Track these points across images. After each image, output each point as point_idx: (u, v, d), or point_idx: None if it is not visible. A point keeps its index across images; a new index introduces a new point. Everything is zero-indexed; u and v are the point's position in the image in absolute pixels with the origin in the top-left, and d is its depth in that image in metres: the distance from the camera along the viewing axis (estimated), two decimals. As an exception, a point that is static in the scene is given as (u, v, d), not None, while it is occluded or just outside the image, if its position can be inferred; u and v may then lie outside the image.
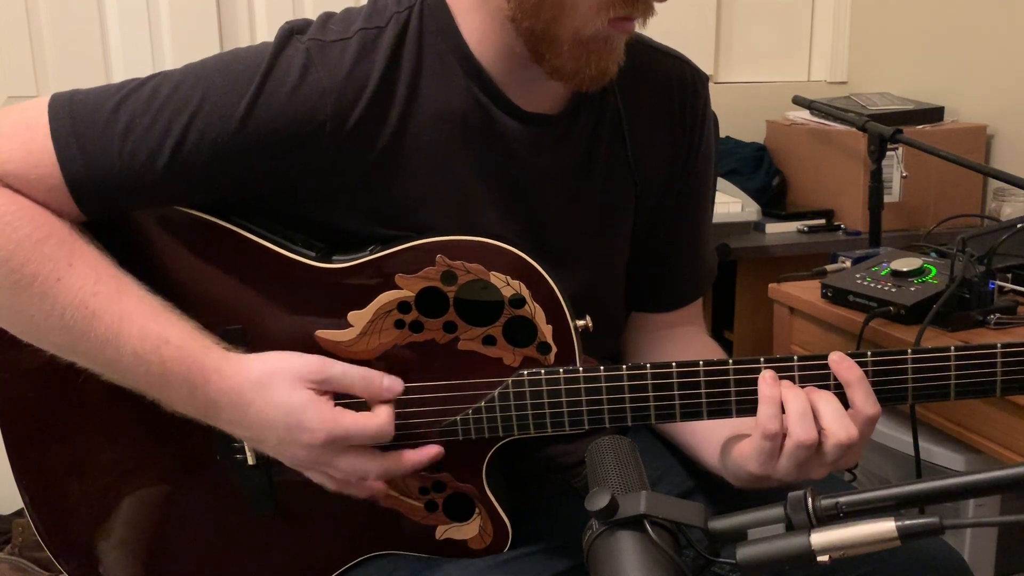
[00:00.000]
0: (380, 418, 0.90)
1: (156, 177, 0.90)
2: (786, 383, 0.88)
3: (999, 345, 0.86)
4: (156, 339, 0.88)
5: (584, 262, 1.05)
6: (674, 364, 0.89)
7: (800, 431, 0.85)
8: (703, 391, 0.89)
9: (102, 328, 0.87)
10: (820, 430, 0.85)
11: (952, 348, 0.87)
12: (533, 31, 0.91)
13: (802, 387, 0.87)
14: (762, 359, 0.89)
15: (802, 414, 0.85)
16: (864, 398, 0.86)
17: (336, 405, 0.89)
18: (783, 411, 0.86)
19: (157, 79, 0.92)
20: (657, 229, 1.12)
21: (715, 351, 1.15)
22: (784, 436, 0.86)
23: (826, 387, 0.88)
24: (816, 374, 0.88)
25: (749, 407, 0.89)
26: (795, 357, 0.89)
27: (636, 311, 1.18)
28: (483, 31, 0.96)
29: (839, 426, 0.85)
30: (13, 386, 0.99)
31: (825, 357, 0.88)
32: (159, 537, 1.02)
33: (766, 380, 0.87)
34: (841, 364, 0.87)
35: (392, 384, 0.92)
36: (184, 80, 0.91)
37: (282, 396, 0.88)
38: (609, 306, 1.13)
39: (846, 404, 0.87)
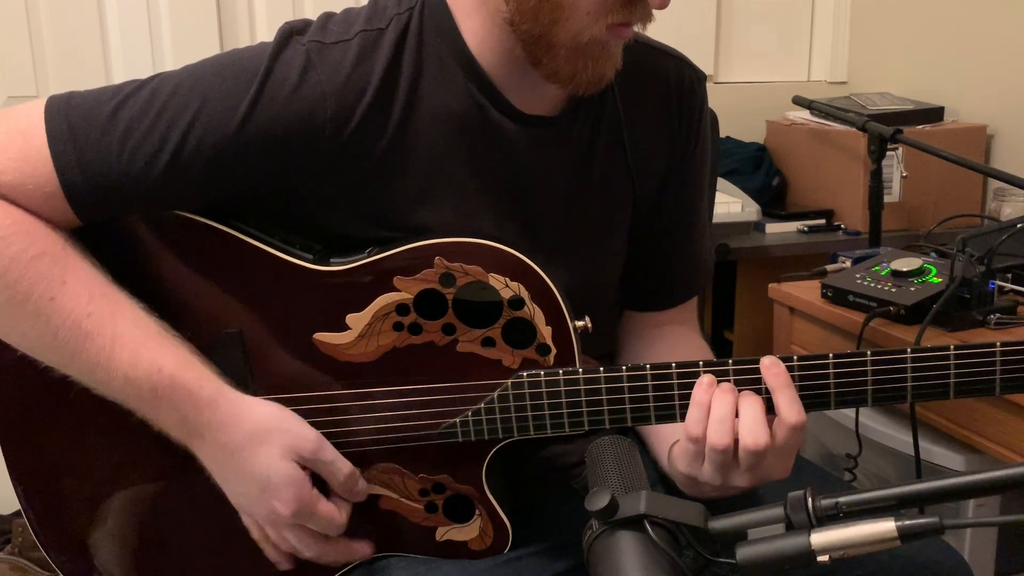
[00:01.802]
0: (343, 518, 0.94)
1: (154, 182, 0.89)
2: (724, 386, 0.87)
3: (998, 344, 0.86)
4: (148, 366, 0.88)
5: (582, 262, 1.05)
6: (674, 364, 0.89)
7: (714, 435, 0.85)
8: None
9: (94, 350, 0.87)
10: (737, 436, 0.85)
11: (952, 347, 0.87)
12: (531, 34, 0.91)
13: (740, 390, 0.87)
14: (763, 359, 0.88)
15: (720, 419, 0.85)
16: (787, 405, 0.86)
17: (313, 487, 0.92)
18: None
19: (155, 82, 0.92)
20: (652, 228, 1.12)
21: (704, 353, 1.14)
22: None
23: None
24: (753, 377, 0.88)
25: None
26: (765, 359, 0.88)
27: (628, 310, 1.18)
28: (483, 33, 0.96)
29: (747, 432, 0.84)
30: (9, 385, 0.99)
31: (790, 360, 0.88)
32: (155, 537, 1.02)
33: (701, 385, 0.87)
34: (769, 370, 0.87)
35: (363, 490, 0.96)
36: (182, 83, 0.91)
37: (269, 460, 0.90)
38: (605, 305, 1.13)
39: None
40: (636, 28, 0.93)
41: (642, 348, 1.15)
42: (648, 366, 0.90)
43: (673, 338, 1.15)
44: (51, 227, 0.89)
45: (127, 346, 0.88)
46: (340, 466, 0.93)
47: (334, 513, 0.93)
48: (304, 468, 0.91)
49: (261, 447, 0.89)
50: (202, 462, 0.93)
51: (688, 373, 0.89)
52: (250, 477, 0.90)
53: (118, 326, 0.88)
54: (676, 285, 1.17)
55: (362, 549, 0.98)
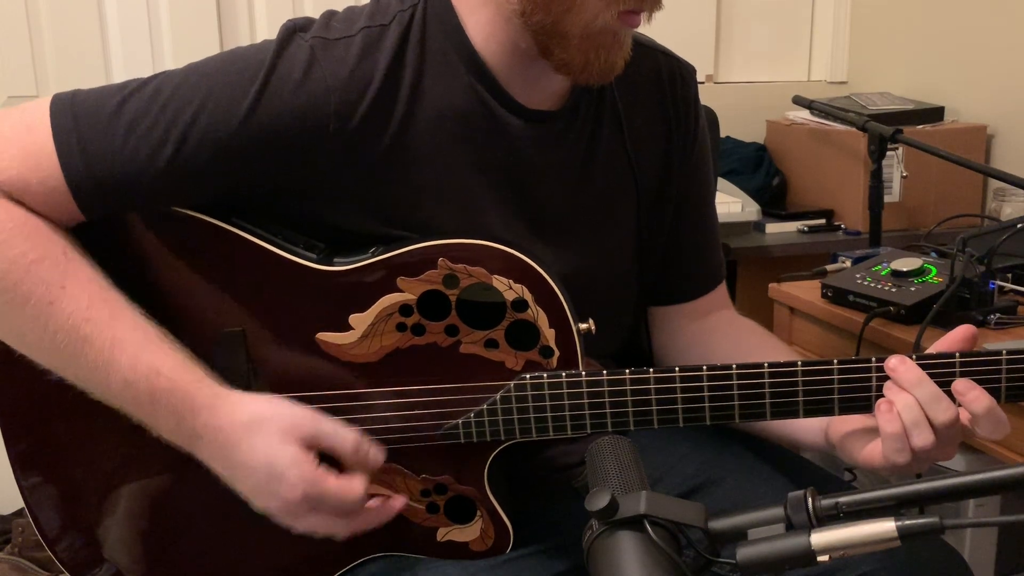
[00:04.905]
0: (358, 488, 0.90)
1: (158, 176, 0.90)
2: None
3: (1004, 351, 0.86)
4: (147, 369, 0.88)
5: (585, 256, 1.05)
6: (677, 368, 0.89)
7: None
8: (706, 395, 0.90)
9: (93, 354, 0.87)
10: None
11: (957, 355, 0.86)
12: (543, 25, 0.92)
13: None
14: (766, 364, 0.88)
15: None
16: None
17: (320, 465, 0.89)
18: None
19: (159, 79, 0.92)
20: (666, 218, 1.13)
21: (763, 333, 1.16)
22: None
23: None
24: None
25: (758, 412, 0.89)
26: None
27: (666, 305, 1.18)
28: (489, 27, 0.96)
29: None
30: (13, 381, 0.99)
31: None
32: (158, 535, 1.02)
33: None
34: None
35: (377, 455, 0.92)
36: (186, 79, 0.91)
37: (269, 445, 0.88)
38: (611, 302, 1.13)
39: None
40: (643, 17, 0.94)
41: (695, 341, 1.16)
42: (651, 370, 0.90)
43: (726, 324, 1.17)
44: (53, 229, 0.89)
45: (126, 350, 0.87)
46: (344, 435, 0.90)
47: (346, 486, 0.89)
48: (310, 450, 0.89)
49: (258, 436, 0.88)
50: (208, 465, 0.92)
51: (690, 377, 0.89)
52: (254, 470, 0.89)
53: (117, 331, 0.88)
54: (705, 268, 1.19)
55: (393, 504, 0.94)
